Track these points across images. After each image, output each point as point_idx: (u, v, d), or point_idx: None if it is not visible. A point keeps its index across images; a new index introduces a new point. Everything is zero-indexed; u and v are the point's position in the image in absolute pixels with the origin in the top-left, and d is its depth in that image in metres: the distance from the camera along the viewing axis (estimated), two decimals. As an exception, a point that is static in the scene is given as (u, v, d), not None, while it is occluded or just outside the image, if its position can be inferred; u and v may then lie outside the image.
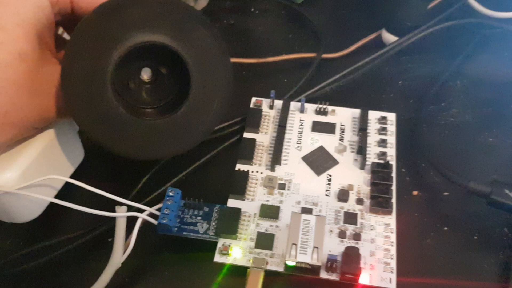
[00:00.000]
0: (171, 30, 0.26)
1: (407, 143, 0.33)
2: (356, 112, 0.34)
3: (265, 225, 0.29)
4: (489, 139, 0.34)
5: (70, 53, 0.26)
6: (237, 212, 0.29)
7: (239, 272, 0.27)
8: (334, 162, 0.32)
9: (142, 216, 0.27)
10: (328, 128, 0.33)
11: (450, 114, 0.35)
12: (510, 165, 0.32)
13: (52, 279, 0.29)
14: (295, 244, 0.26)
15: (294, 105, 0.35)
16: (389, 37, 0.38)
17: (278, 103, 0.35)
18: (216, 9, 0.44)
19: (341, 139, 0.33)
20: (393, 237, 0.28)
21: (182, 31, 0.26)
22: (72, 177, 0.29)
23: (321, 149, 0.32)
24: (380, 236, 0.28)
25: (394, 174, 0.31)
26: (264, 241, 0.28)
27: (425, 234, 0.29)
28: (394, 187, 0.30)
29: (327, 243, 0.28)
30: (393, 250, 0.28)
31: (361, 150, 0.32)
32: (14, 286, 0.28)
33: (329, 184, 0.31)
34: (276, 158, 0.31)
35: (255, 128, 0.33)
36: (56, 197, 0.28)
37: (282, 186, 0.31)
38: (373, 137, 0.33)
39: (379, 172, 0.30)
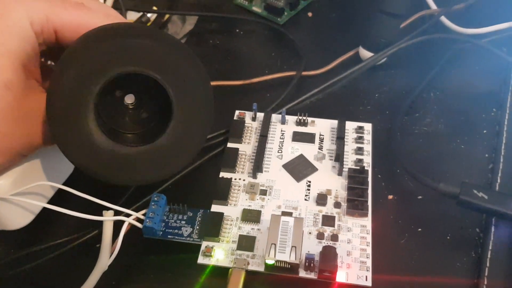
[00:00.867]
0: (152, 60, 0.26)
1: (382, 151, 0.35)
2: (335, 122, 0.36)
3: (247, 228, 0.30)
4: (461, 146, 0.35)
5: (55, 81, 0.26)
6: (219, 216, 0.30)
7: (222, 273, 0.28)
8: (313, 169, 0.33)
9: (128, 220, 0.29)
10: (308, 138, 0.35)
11: (424, 123, 0.37)
12: (481, 170, 0.34)
13: (41, 283, 0.30)
14: (274, 244, 0.28)
15: (275, 117, 0.36)
16: (365, 54, 0.40)
17: (260, 115, 0.36)
18: (203, 30, 0.46)
19: (320, 148, 0.35)
20: (369, 238, 0.30)
21: (164, 60, 0.27)
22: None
23: (301, 157, 0.34)
24: (356, 237, 0.30)
25: (370, 179, 0.32)
26: (246, 243, 0.29)
27: (400, 235, 0.31)
28: (370, 191, 0.31)
29: (305, 244, 0.29)
30: (369, 250, 0.29)
31: (339, 157, 0.33)
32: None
33: (308, 189, 0.32)
34: (258, 166, 0.33)
35: (238, 138, 0.35)
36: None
37: (263, 192, 0.32)
38: (350, 146, 0.35)
39: (356, 177, 0.32)
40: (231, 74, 0.41)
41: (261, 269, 0.28)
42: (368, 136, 0.35)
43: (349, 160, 0.34)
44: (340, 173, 0.33)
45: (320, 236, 0.30)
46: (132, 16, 0.44)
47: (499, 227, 0.30)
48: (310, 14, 0.47)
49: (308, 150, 0.34)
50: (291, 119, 0.36)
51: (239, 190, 0.32)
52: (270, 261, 0.28)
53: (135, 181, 0.29)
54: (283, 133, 0.35)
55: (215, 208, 0.31)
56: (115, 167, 0.27)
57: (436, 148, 0.35)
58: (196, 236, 0.29)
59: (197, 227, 0.30)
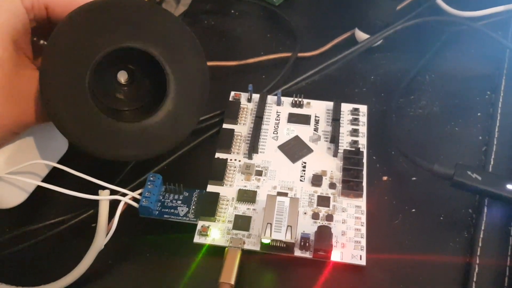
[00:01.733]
0: (146, 34, 0.26)
1: (378, 133, 0.35)
2: (330, 104, 0.36)
3: (243, 208, 0.30)
4: (455, 129, 0.36)
5: (48, 58, 0.26)
6: (215, 196, 0.30)
7: (218, 252, 0.29)
8: (309, 150, 0.33)
9: (125, 200, 0.29)
10: (303, 119, 0.35)
11: (419, 106, 0.37)
12: (475, 152, 0.34)
13: (37, 262, 0.30)
14: (270, 224, 0.28)
15: (271, 98, 0.36)
16: (361, 35, 0.40)
17: (256, 96, 0.36)
18: (197, 11, 0.45)
19: (316, 129, 0.35)
20: (364, 218, 0.30)
21: (157, 34, 0.27)
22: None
23: (296, 138, 0.34)
24: (351, 217, 0.30)
25: (365, 160, 0.32)
26: (241, 223, 0.30)
27: (394, 216, 0.31)
28: (364, 172, 0.32)
29: (301, 224, 0.29)
30: (363, 230, 0.29)
31: (334, 139, 0.33)
32: (-1, 270, 0.29)
33: (303, 170, 0.32)
34: (253, 147, 0.33)
35: (234, 119, 0.35)
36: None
37: (259, 173, 0.32)
38: (345, 127, 0.35)
39: (351, 159, 0.32)
40: (226, 56, 0.41)
41: (257, 248, 0.29)
42: (363, 118, 0.35)
43: (344, 141, 0.34)
44: (335, 155, 0.33)
45: (315, 216, 0.30)
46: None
47: (492, 208, 0.30)
48: (306, -5, 0.46)
49: (304, 132, 0.34)
50: (286, 100, 0.36)
51: (234, 170, 0.32)
52: (266, 240, 0.28)
53: (130, 156, 0.29)
54: (278, 115, 0.35)
55: (210, 188, 0.31)
56: (110, 142, 0.27)
57: (430, 130, 0.36)
58: (192, 216, 0.30)
59: (193, 207, 0.30)
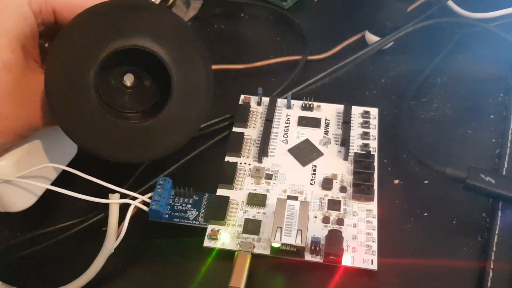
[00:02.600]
0: (150, 35, 0.26)
1: (389, 136, 0.35)
2: (340, 107, 0.36)
3: (253, 212, 0.30)
4: (468, 131, 0.35)
5: (53, 60, 0.26)
6: (225, 200, 0.30)
7: (227, 256, 0.28)
8: (319, 153, 0.33)
9: (134, 203, 0.29)
10: (314, 122, 0.35)
11: (431, 108, 0.37)
12: (488, 155, 0.34)
13: (47, 265, 0.30)
14: (280, 227, 0.28)
15: (280, 101, 0.36)
16: (371, 38, 0.40)
17: (266, 100, 0.36)
18: (207, 15, 0.45)
19: (326, 132, 0.34)
20: (375, 222, 0.30)
21: (162, 35, 0.26)
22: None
23: (306, 141, 0.34)
24: (362, 221, 0.30)
25: (376, 164, 0.32)
26: (251, 226, 0.29)
27: (406, 220, 0.31)
28: (375, 175, 0.31)
29: (311, 228, 0.29)
30: (375, 234, 0.29)
31: (345, 142, 0.33)
32: (10, 273, 0.29)
33: (314, 174, 0.32)
34: (263, 150, 0.33)
35: (244, 123, 0.35)
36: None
37: (269, 176, 0.32)
38: (356, 130, 0.34)
39: (362, 162, 0.32)
40: (236, 59, 0.41)
41: (267, 252, 0.28)
42: (374, 121, 0.35)
43: (355, 144, 0.34)
44: (346, 158, 0.33)
45: (326, 220, 0.30)
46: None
47: (506, 211, 0.30)
48: (315, -2, 0.46)
49: (314, 135, 0.34)
50: (296, 103, 0.36)
51: (244, 174, 0.32)
52: (276, 244, 0.28)
53: (139, 158, 0.29)
54: (288, 118, 0.35)
55: (220, 192, 0.31)
56: (116, 144, 0.27)
57: (442, 133, 0.35)
58: (202, 220, 0.29)
59: (203, 211, 0.30)
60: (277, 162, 0.33)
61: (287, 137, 0.34)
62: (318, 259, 0.28)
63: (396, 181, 0.33)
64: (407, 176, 0.33)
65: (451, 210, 0.31)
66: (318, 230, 0.29)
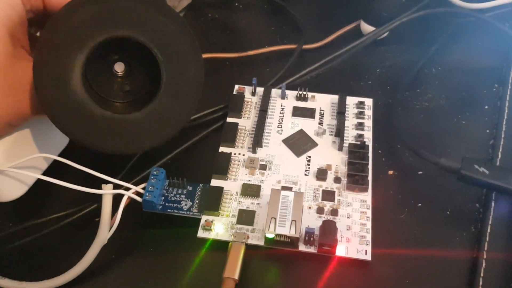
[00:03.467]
0: (141, 25, 0.26)
1: (383, 126, 0.35)
2: (335, 98, 0.36)
3: (247, 203, 0.30)
4: (462, 122, 0.35)
5: (41, 48, 0.26)
6: (219, 190, 0.30)
7: (221, 247, 0.28)
8: (314, 144, 0.33)
9: (128, 194, 0.28)
10: (308, 113, 0.35)
11: (425, 99, 0.37)
12: (482, 145, 0.34)
13: (40, 256, 0.30)
14: (274, 218, 0.28)
15: (275, 92, 0.36)
16: (367, 28, 0.40)
17: (260, 90, 0.36)
18: (201, 4, 0.45)
19: (321, 123, 0.34)
20: (369, 213, 0.30)
21: (152, 25, 0.26)
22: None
23: (301, 132, 0.34)
24: (356, 212, 0.30)
25: (370, 154, 0.32)
26: (245, 217, 0.29)
27: (400, 210, 0.31)
28: (370, 166, 0.31)
29: (305, 219, 0.29)
30: (369, 224, 0.29)
31: (339, 132, 0.33)
32: (1, 264, 0.29)
33: (308, 164, 0.32)
34: (257, 141, 0.33)
35: (238, 113, 0.35)
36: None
37: (263, 167, 0.32)
38: (351, 121, 0.34)
39: (356, 152, 0.32)
40: (230, 49, 0.40)
41: (261, 243, 0.28)
42: (368, 111, 0.35)
43: (350, 135, 0.33)
44: (340, 148, 0.33)
45: (320, 210, 0.30)
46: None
47: (499, 202, 0.30)
48: (310, -13, 0.46)
49: (308, 125, 0.34)
50: (291, 94, 0.36)
51: (238, 164, 0.32)
52: (270, 235, 0.28)
53: (129, 149, 0.28)
54: (283, 108, 0.35)
55: (214, 182, 0.31)
56: (104, 134, 0.27)
57: (437, 123, 0.35)
58: (196, 210, 0.29)
59: (197, 201, 0.30)
60: (271, 153, 0.33)
61: (281, 127, 0.34)
62: (312, 249, 0.28)
63: (391, 172, 0.33)
64: (401, 166, 0.33)
65: (445, 200, 0.31)
66: (312, 221, 0.29)
